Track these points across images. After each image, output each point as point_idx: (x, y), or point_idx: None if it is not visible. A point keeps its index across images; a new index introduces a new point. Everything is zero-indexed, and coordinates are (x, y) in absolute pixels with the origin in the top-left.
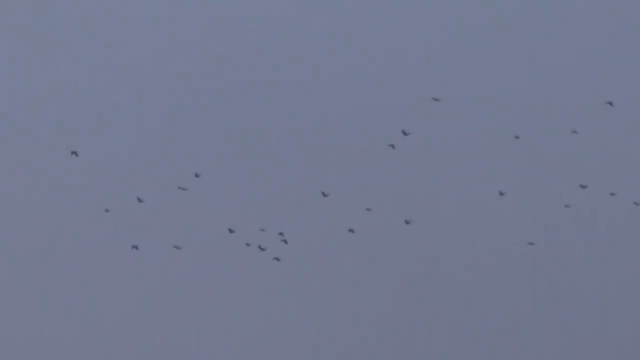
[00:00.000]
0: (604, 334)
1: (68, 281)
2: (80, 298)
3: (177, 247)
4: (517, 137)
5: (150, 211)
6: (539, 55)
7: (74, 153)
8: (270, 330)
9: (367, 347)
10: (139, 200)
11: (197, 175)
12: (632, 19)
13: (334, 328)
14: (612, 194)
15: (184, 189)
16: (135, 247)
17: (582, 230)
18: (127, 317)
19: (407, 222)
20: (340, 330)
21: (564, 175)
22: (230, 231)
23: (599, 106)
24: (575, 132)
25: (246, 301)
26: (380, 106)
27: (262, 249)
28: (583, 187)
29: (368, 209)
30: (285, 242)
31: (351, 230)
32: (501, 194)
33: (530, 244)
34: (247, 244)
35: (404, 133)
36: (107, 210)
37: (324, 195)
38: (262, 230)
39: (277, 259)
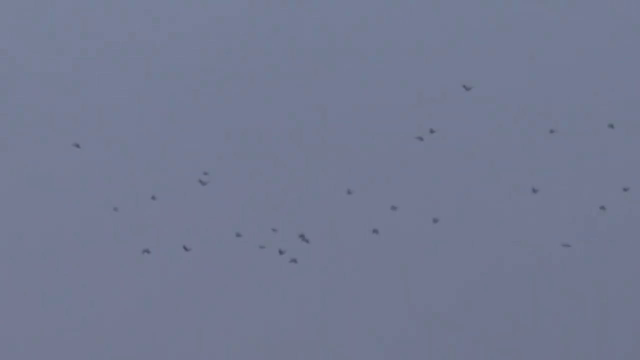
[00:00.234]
0: None
1: (70, 282)
2: (83, 300)
3: (186, 249)
4: (552, 132)
5: (159, 210)
6: (579, 48)
7: (77, 145)
8: (285, 338)
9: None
10: (153, 198)
11: (205, 174)
12: None
13: (353, 336)
14: None
15: (204, 184)
16: (147, 251)
17: (620, 233)
18: (131, 320)
19: (435, 221)
20: (361, 339)
21: (603, 174)
22: (238, 235)
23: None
24: (612, 126)
25: (260, 306)
26: (406, 100)
27: (281, 253)
28: (625, 189)
29: (393, 207)
30: (307, 241)
31: (375, 231)
32: (534, 191)
33: (565, 245)
34: (262, 247)
35: (466, 88)
36: (115, 209)
37: (349, 192)
38: (275, 230)
39: (294, 260)
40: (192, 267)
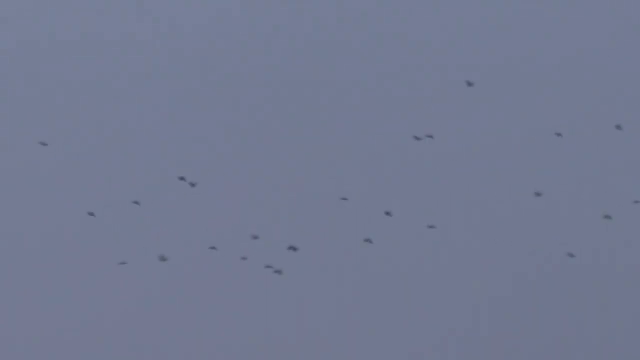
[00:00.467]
0: None
1: (51, 287)
2: (62, 306)
3: (163, 259)
4: (558, 135)
5: (142, 215)
6: (585, 48)
7: (43, 144)
8: (273, 347)
9: None
10: (136, 203)
11: (182, 178)
12: None
13: (344, 348)
14: None
15: (193, 185)
16: (123, 262)
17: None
18: (121, 324)
19: (430, 227)
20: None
21: (608, 178)
22: (212, 248)
23: None
24: (619, 127)
25: (247, 316)
26: (405, 101)
27: (273, 269)
28: (637, 202)
29: (387, 213)
30: (294, 249)
31: (368, 240)
32: (537, 194)
33: (570, 255)
34: (243, 258)
35: (468, 84)
36: (91, 214)
37: (343, 199)
38: (256, 237)
39: (279, 271)
40: (170, 275)
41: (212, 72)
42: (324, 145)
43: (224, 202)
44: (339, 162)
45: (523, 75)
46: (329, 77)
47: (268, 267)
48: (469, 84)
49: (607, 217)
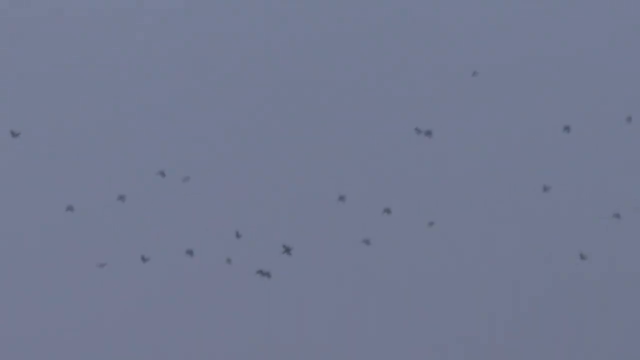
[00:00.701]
0: None
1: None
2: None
3: (144, 259)
4: (566, 129)
5: (133, 215)
6: (596, 38)
7: (14, 134)
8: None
9: None
10: (121, 198)
11: (163, 174)
12: None
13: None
14: None
15: (186, 179)
16: (103, 264)
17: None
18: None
19: (430, 224)
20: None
21: (619, 175)
22: (188, 252)
23: None
24: (629, 120)
25: (241, 321)
26: (406, 95)
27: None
28: None
29: (387, 210)
30: (289, 252)
31: (366, 242)
32: (545, 189)
33: (583, 257)
34: (228, 260)
35: (473, 73)
36: (70, 209)
37: (341, 199)
38: (239, 236)
39: (267, 274)
40: (163, 277)
41: (211, 71)
42: (320, 144)
43: (220, 201)
44: (336, 161)
45: (529, 68)
46: (329, 75)
47: (259, 272)
48: (474, 73)
49: (617, 215)
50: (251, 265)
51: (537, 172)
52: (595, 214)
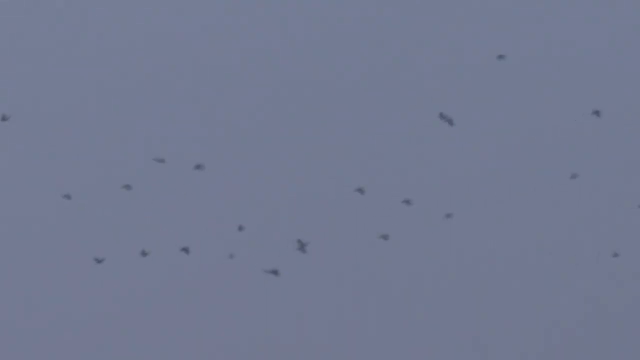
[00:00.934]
0: None
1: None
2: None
3: (144, 253)
4: (596, 113)
5: (135, 210)
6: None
7: (4, 118)
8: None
9: None
10: (127, 187)
11: (161, 160)
12: None
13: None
14: None
15: (199, 167)
16: (100, 260)
17: None
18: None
19: (448, 216)
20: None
21: None
22: (185, 250)
23: None
24: None
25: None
26: (428, 77)
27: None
28: None
29: (406, 202)
30: (304, 248)
31: (384, 237)
32: (574, 177)
33: (616, 255)
34: (231, 256)
35: (500, 57)
36: (67, 197)
37: (360, 192)
38: (241, 229)
39: (275, 272)
40: (147, 273)
41: (212, 69)
42: (321, 141)
43: (220, 198)
44: (335, 159)
45: (554, 55)
46: (341, 70)
47: (268, 271)
48: (500, 57)
49: None
50: (251, 263)
51: (563, 161)
52: (624, 204)
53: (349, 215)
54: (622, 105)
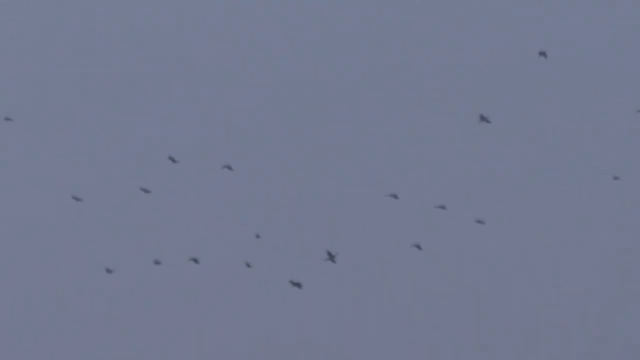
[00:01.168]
0: None
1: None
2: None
3: (157, 262)
4: (542, 54)
5: (142, 216)
6: None
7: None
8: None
9: None
10: (145, 190)
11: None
12: None
13: None
14: None
15: (230, 168)
16: (109, 270)
17: None
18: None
19: (479, 222)
20: None
21: None
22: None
23: None
24: None
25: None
26: (459, 69)
27: (331, 257)
28: None
29: (441, 207)
30: (333, 259)
31: (417, 246)
32: (615, 178)
33: None
34: (248, 265)
35: (543, 54)
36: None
37: (395, 197)
38: (258, 236)
39: (299, 284)
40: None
41: (214, 69)
42: (323, 144)
43: (220, 203)
44: (351, 155)
45: (599, 53)
46: (371, 69)
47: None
48: (542, 54)
49: None
50: (252, 265)
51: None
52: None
53: (348, 216)
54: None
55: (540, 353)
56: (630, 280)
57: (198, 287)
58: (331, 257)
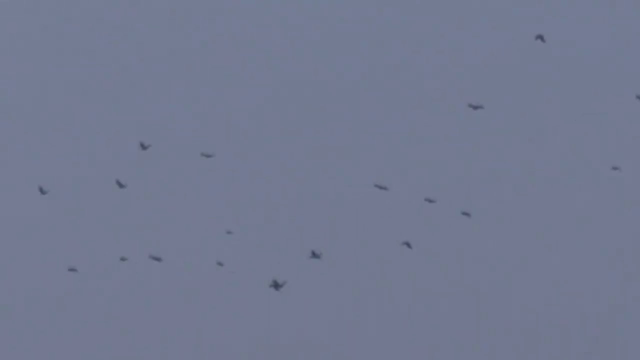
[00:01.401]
0: None
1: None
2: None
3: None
4: (540, 38)
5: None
6: None
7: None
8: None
9: None
10: (120, 185)
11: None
12: None
13: None
14: None
15: (209, 156)
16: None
17: None
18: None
19: (466, 214)
20: None
21: None
22: (156, 259)
23: None
24: None
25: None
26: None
27: (315, 256)
28: None
29: (429, 200)
30: (318, 257)
31: (407, 244)
32: (615, 169)
33: None
34: (232, 272)
35: (541, 39)
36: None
37: (382, 188)
38: (229, 232)
39: (276, 285)
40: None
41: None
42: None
43: (216, 202)
44: (351, 155)
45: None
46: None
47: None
48: (539, 37)
49: None
50: (249, 265)
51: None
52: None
53: (349, 216)
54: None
55: (539, 353)
56: (631, 280)
57: (197, 287)
58: (315, 255)
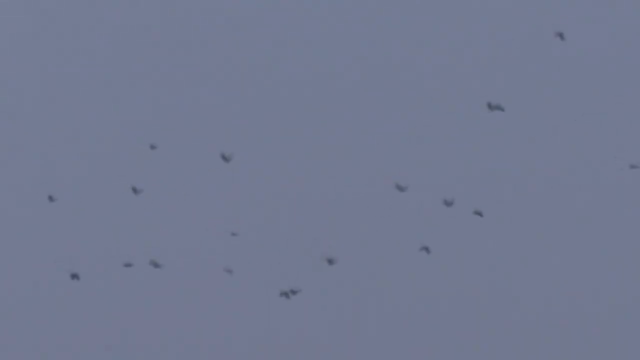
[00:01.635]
0: None
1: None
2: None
3: (155, 264)
4: (559, 36)
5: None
6: None
7: (226, 159)
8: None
9: None
10: (135, 191)
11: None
12: None
13: None
14: None
15: (227, 159)
16: (76, 276)
17: None
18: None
19: (478, 214)
20: None
21: None
22: (156, 264)
23: None
24: None
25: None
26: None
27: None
28: None
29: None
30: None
31: (425, 249)
32: (633, 167)
33: None
34: (228, 270)
35: (560, 36)
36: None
37: (401, 189)
38: (234, 234)
39: (287, 294)
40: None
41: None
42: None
43: (217, 203)
44: (351, 155)
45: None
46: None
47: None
48: (559, 35)
49: None
50: (254, 267)
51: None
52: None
53: (348, 216)
54: (622, 106)
55: (540, 353)
56: (634, 280)
57: (196, 288)
58: (330, 262)
